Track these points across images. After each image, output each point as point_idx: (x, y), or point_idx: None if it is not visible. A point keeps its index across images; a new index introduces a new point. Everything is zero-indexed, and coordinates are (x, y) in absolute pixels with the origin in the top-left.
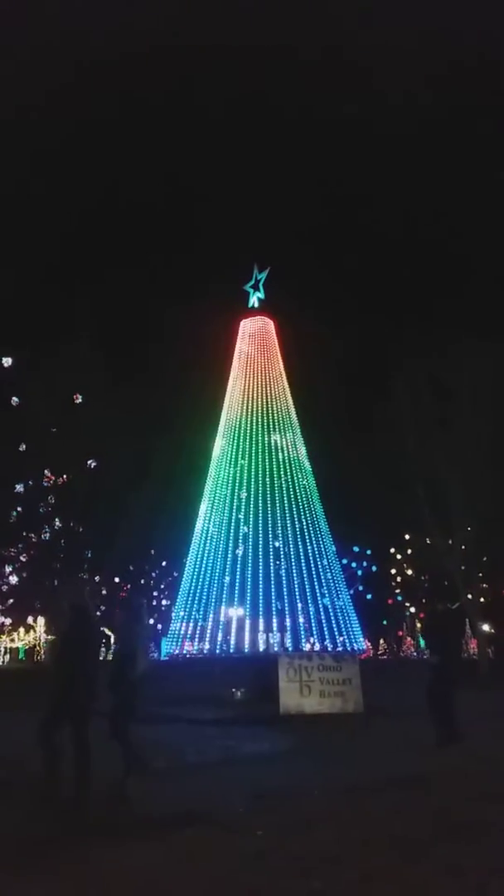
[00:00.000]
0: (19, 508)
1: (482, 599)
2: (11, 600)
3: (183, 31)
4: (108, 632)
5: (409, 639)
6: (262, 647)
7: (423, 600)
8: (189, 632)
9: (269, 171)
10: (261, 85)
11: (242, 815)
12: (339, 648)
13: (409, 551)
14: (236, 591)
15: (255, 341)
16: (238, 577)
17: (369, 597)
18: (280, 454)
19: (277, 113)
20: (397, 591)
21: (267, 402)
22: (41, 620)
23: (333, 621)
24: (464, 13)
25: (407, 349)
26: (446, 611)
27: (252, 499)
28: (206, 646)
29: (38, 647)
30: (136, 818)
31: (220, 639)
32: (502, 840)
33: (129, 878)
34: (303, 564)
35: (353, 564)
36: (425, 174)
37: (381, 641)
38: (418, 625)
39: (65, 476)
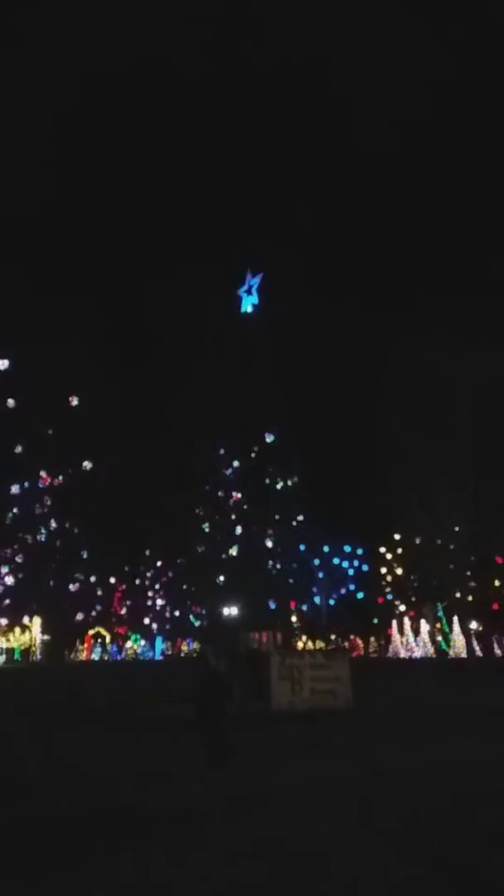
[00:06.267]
0: (15, 510)
1: (470, 598)
2: (7, 601)
3: (177, 30)
4: None
5: (399, 637)
6: (254, 646)
7: (413, 599)
8: (183, 631)
9: (263, 173)
10: (259, 85)
11: (233, 812)
12: (330, 647)
13: (399, 551)
14: (229, 590)
15: (249, 343)
16: (231, 576)
17: (360, 596)
18: (273, 454)
19: (269, 114)
20: (387, 590)
21: (260, 403)
22: (37, 621)
23: (324, 620)
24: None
25: (399, 351)
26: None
27: (246, 498)
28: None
29: (33, 648)
30: (129, 815)
31: (213, 637)
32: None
33: (120, 874)
34: (295, 564)
35: (345, 564)
36: (422, 171)
37: (372, 640)
38: (407, 622)
39: (60, 477)
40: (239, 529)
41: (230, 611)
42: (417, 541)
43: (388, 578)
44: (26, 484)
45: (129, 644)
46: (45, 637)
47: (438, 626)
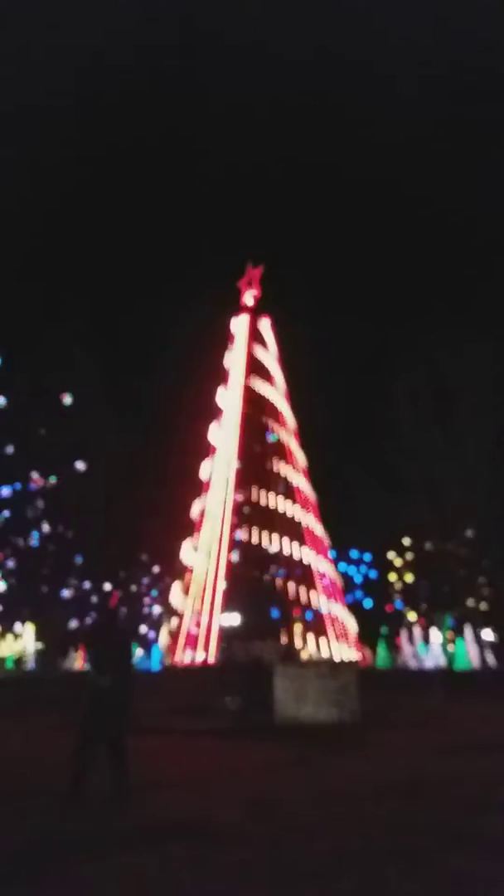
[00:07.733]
0: (6, 513)
1: (482, 605)
2: None
3: (180, 30)
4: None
5: (408, 647)
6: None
7: (423, 607)
8: (182, 640)
9: (267, 164)
10: (260, 82)
11: (236, 825)
12: (336, 657)
13: (409, 556)
14: (231, 598)
15: (249, 339)
16: (233, 583)
17: (368, 603)
18: (276, 455)
19: (273, 107)
20: (396, 597)
21: (262, 401)
22: (29, 628)
23: (330, 629)
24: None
25: (407, 350)
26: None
27: (247, 502)
28: (200, 654)
29: (25, 657)
30: (130, 828)
31: (214, 647)
32: None
33: (123, 890)
34: (299, 570)
35: (352, 571)
36: (428, 171)
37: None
38: (417, 631)
39: (53, 479)
40: (239, 534)
41: (231, 619)
42: (427, 546)
43: (397, 586)
44: (18, 486)
45: None
46: (39, 645)
47: (450, 635)
